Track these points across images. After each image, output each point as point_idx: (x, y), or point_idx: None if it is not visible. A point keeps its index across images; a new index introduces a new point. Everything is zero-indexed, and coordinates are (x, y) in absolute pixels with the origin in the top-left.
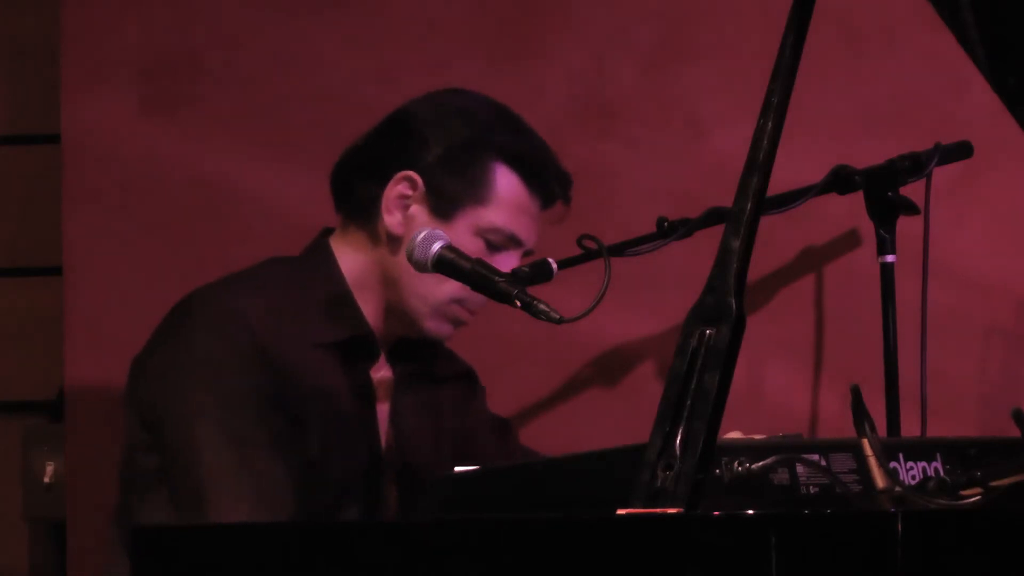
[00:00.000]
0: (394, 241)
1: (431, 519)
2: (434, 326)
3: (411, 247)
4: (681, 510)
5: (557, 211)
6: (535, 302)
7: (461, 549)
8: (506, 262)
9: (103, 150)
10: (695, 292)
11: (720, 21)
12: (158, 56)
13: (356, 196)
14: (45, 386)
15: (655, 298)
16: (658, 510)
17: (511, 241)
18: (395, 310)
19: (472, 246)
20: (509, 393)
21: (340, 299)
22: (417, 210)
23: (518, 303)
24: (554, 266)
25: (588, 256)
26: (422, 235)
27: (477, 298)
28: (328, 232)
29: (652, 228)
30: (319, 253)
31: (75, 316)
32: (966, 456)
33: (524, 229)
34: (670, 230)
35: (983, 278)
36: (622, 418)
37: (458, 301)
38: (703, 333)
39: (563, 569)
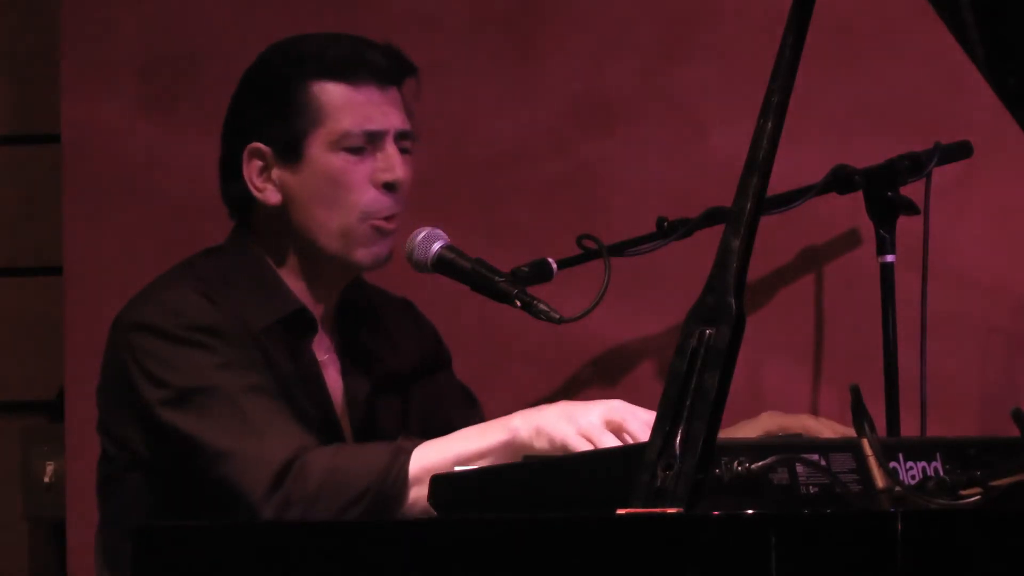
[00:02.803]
0: (280, 211)
1: (431, 519)
2: (364, 255)
3: (411, 247)
4: (681, 510)
5: (409, 84)
6: (535, 302)
7: (461, 549)
8: (384, 157)
9: (103, 150)
10: (695, 292)
11: (720, 21)
12: (158, 56)
13: (230, 197)
14: (45, 386)
15: (655, 298)
16: (658, 510)
17: (369, 137)
18: (323, 268)
19: (337, 162)
20: (509, 393)
21: (267, 281)
22: (276, 171)
23: (518, 303)
24: (554, 266)
25: (588, 256)
26: (422, 235)
27: (381, 205)
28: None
29: (652, 228)
30: (239, 241)
31: (75, 316)
32: (966, 456)
33: (374, 118)
34: (670, 230)
35: (983, 278)
36: None
37: (366, 216)
38: (703, 333)
39: (563, 569)
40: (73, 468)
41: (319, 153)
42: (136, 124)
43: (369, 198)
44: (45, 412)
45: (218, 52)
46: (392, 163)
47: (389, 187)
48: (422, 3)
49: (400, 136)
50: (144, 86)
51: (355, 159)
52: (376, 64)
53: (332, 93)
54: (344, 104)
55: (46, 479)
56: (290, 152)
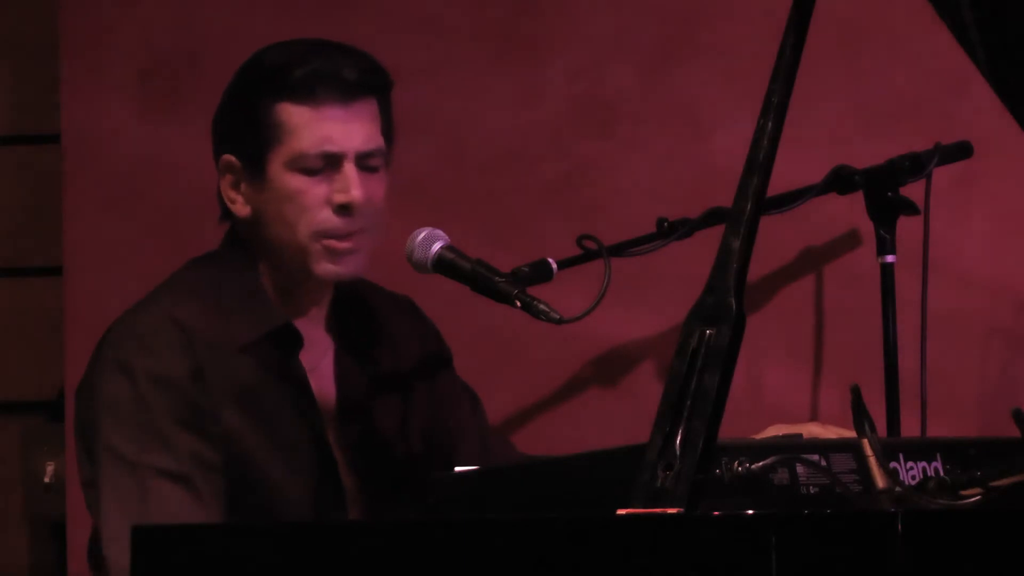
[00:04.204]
0: (250, 223)
1: (431, 519)
2: (322, 270)
3: (411, 247)
4: (681, 510)
5: (388, 96)
6: (535, 302)
7: (461, 549)
8: (341, 179)
9: (103, 150)
10: (695, 292)
11: (720, 21)
12: (158, 56)
13: (221, 202)
14: (45, 386)
15: (655, 298)
16: (658, 510)
17: (328, 159)
18: (298, 278)
19: (294, 182)
20: (509, 393)
21: (254, 294)
22: (244, 185)
23: (518, 303)
24: (554, 266)
25: (588, 256)
26: (422, 235)
27: (333, 225)
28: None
29: (652, 228)
30: (231, 249)
31: (75, 316)
32: (966, 456)
33: (333, 139)
34: (670, 230)
35: (983, 278)
36: (622, 418)
37: (318, 236)
38: (703, 333)
39: (563, 569)
40: (73, 468)
41: (278, 172)
42: (136, 124)
43: (321, 218)
44: (45, 412)
45: (218, 52)
46: (348, 184)
47: (343, 208)
48: (422, 3)
49: (364, 156)
50: (144, 86)
51: (312, 180)
52: (343, 79)
53: (291, 113)
54: (302, 125)
55: (46, 479)
56: (254, 169)
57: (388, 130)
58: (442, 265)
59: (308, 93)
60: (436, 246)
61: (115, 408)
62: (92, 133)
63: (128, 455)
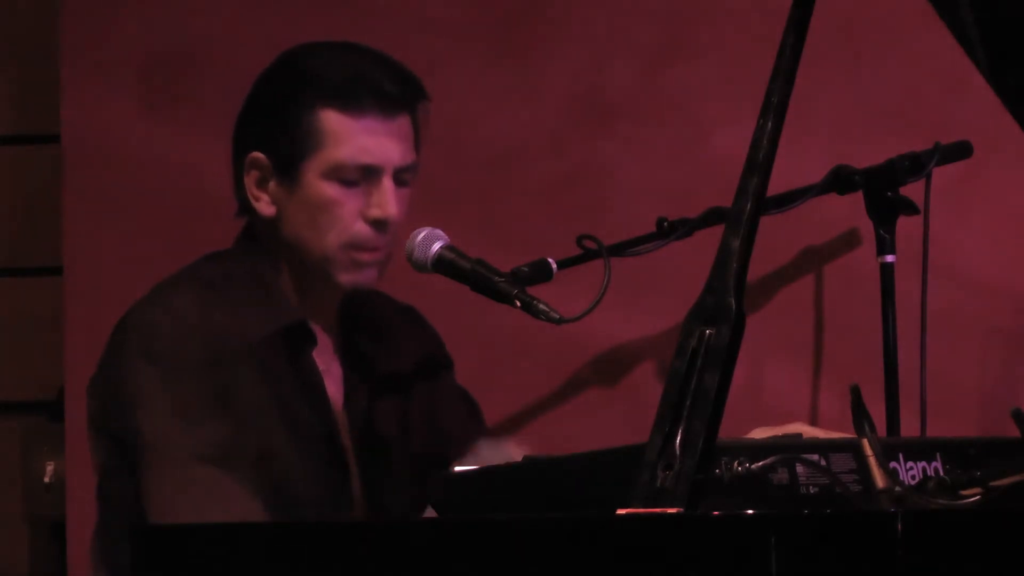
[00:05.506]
0: (273, 224)
1: (431, 519)
2: (345, 279)
3: (411, 247)
4: (681, 510)
5: (422, 109)
6: (535, 302)
7: (461, 549)
8: (378, 193)
9: (103, 150)
10: (695, 292)
11: (720, 21)
12: (158, 55)
13: (239, 198)
14: (45, 386)
15: (655, 298)
16: (658, 510)
17: (366, 171)
18: (315, 281)
19: (330, 191)
20: (509, 393)
21: (269, 290)
22: (273, 184)
23: (518, 303)
24: (554, 266)
25: (588, 256)
26: (422, 235)
27: (366, 239)
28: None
29: (652, 228)
30: (245, 247)
31: (75, 316)
32: (966, 456)
33: (372, 152)
34: (670, 230)
35: (983, 278)
36: (622, 418)
37: (349, 247)
38: (703, 333)
39: (563, 569)
40: (73, 468)
41: (313, 179)
42: (136, 124)
43: (355, 231)
44: (45, 412)
45: (218, 52)
46: (385, 199)
47: (378, 224)
48: (422, 2)
49: (400, 171)
50: (144, 86)
51: (348, 191)
52: (382, 91)
53: (332, 121)
54: (342, 134)
55: (46, 479)
56: (286, 171)
57: (418, 144)
58: (442, 265)
59: (351, 102)
60: (436, 246)
61: (144, 397)
62: (92, 133)
63: (164, 443)
